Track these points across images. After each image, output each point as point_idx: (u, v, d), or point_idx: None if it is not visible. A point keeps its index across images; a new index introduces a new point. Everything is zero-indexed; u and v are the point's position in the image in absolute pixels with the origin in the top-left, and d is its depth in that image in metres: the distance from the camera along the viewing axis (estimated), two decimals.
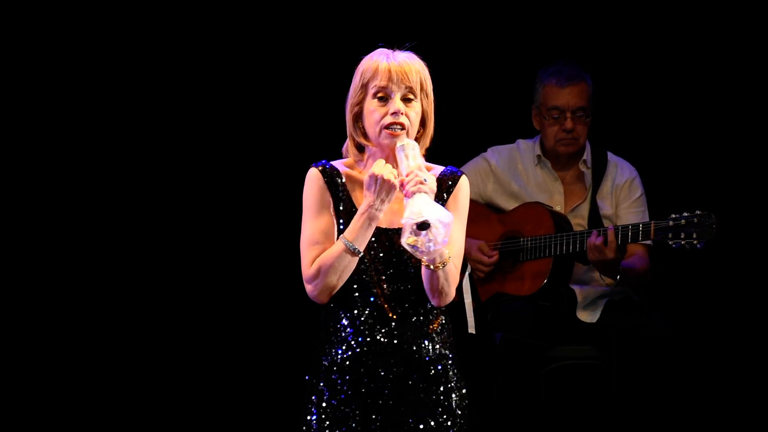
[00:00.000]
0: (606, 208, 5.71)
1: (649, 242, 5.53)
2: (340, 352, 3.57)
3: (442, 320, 3.62)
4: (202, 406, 6.12)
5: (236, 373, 6.14)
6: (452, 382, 3.62)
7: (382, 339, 3.56)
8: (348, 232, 3.51)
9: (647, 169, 5.84)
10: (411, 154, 3.50)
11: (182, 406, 6.11)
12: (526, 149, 5.83)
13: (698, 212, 5.29)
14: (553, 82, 5.68)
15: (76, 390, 6.02)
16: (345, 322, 3.57)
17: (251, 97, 6.14)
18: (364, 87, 3.59)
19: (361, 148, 3.64)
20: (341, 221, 3.59)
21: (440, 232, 3.34)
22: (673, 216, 5.33)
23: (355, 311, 3.57)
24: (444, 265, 3.48)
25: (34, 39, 5.93)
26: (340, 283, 3.54)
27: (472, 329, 5.50)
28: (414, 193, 3.40)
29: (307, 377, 3.63)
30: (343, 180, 3.62)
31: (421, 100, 3.62)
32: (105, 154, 6.04)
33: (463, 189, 3.65)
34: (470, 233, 5.70)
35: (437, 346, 3.59)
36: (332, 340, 3.59)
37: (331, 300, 3.58)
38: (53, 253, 6.00)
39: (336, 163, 3.66)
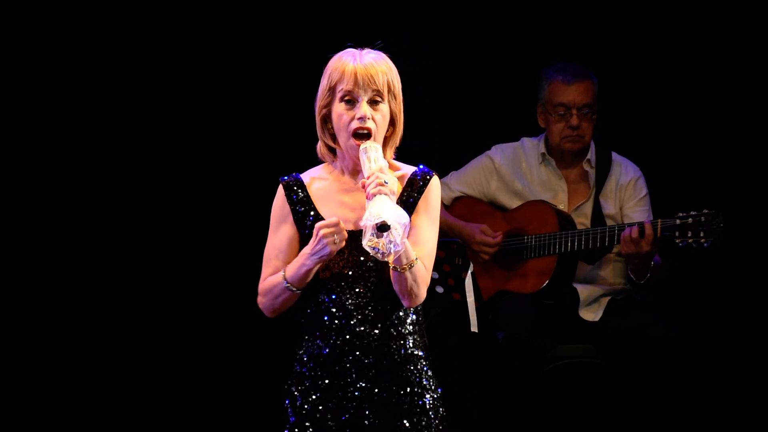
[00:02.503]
0: (609, 207, 5.71)
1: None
2: (312, 355, 3.58)
3: (414, 320, 3.61)
4: (192, 406, 6.11)
5: (222, 377, 6.13)
6: (425, 382, 3.61)
7: (354, 340, 3.56)
8: (288, 269, 3.54)
9: (652, 169, 5.84)
10: (373, 156, 3.50)
11: (172, 407, 6.10)
12: (530, 147, 5.83)
13: (706, 211, 5.29)
14: (559, 78, 5.68)
15: (60, 389, 6.01)
16: (317, 325, 3.58)
17: (247, 99, 6.14)
18: (332, 90, 3.59)
19: (333, 150, 3.66)
20: (306, 231, 3.60)
21: (398, 233, 3.35)
22: (680, 215, 5.33)
23: (327, 314, 3.57)
24: (411, 266, 3.47)
25: (24, 39, 5.93)
26: (282, 309, 3.58)
27: (474, 328, 5.49)
28: (374, 195, 3.40)
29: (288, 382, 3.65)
30: (306, 192, 3.63)
31: (388, 101, 3.60)
32: (93, 156, 6.03)
33: (434, 189, 3.64)
34: None
35: (410, 347, 3.59)
36: (305, 344, 3.60)
37: (304, 304, 3.60)
38: (43, 252, 6.00)
39: (306, 174, 3.67)
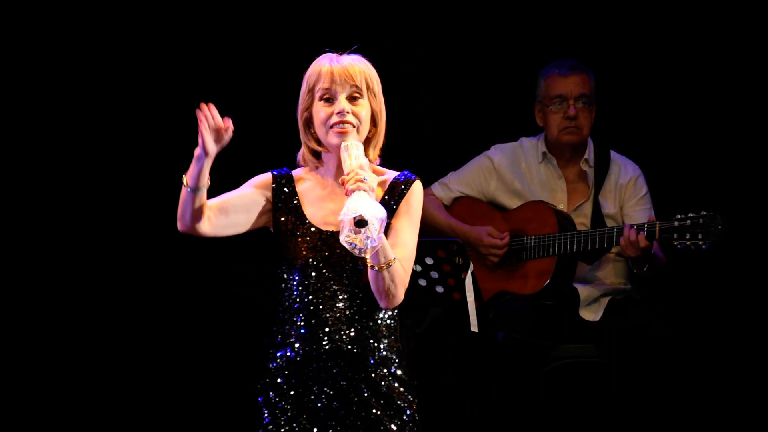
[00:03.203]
0: (609, 207, 5.71)
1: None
2: (285, 355, 3.59)
3: (389, 323, 3.62)
4: (168, 404, 6.11)
5: (199, 374, 6.13)
6: (398, 384, 3.61)
7: (329, 341, 3.57)
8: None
9: (651, 169, 5.84)
10: (354, 153, 3.52)
11: (153, 405, 6.10)
12: (529, 147, 5.84)
13: (704, 213, 5.29)
14: (555, 72, 5.71)
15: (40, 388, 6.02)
16: (289, 325, 3.59)
17: (239, 102, 6.14)
18: (311, 91, 3.62)
19: (317, 155, 3.67)
20: (283, 226, 3.62)
21: (375, 228, 3.36)
22: (679, 216, 5.34)
23: (300, 314, 3.59)
24: (389, 265, 3.47)
25: (20, 39, 5.94)
26: (186, 217, 3.55)
27: (474, 328, 5.49)
28: (353, 191, 3.41)
29: (261, 382, 3.65)
30: (294, 189, 3.66)
31: (368, 99, 3.63)
32: (88, 156, 6.03)
33: (416, 193, 3.64)
34: None
35: (383, 349, 3.60)
36: (278, 344, 3.61)
37: (279, 304, 3.62)
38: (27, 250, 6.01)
39: (295, 174, 3.69)
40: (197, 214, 3.55)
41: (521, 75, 6.08)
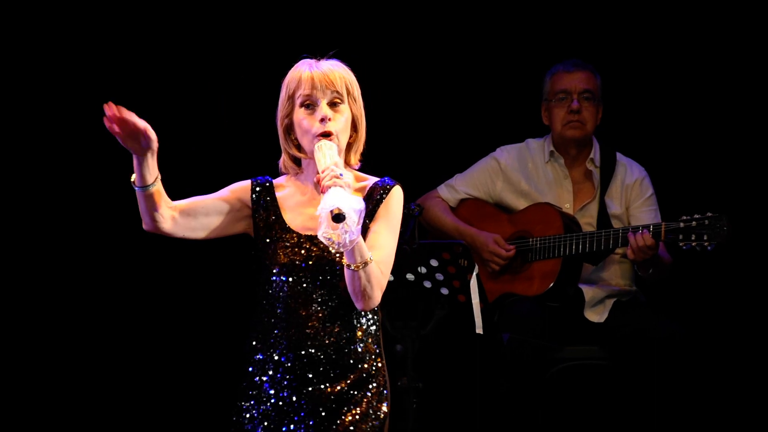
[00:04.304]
0: (615, 207, 5.71)
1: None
2: (263, 359, 3.60)
3: (367, 327, 3.63)
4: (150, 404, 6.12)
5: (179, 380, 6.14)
6: (373, 385, 3.61)
7: (304, 346, 3.57)
8: None
9: (657, 170, 5.84)
10: (328, 153, 3.52)
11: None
12: (536, 147, 5.84)
13: (709, 214, 5.29)
14: (560, 69, 5.75)
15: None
16: (268, 330, 3.60)
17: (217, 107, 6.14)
18: (291, 98, 3.62)
19: (297, 162, 3.68)
20: (262, 231, 3.63)
21: (353, 220, 3.34)
22: (684, 218, 5.33)
23: (278, 319, 3.60)
24: (365, 264, 3.46)
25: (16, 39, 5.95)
26: (144, 216, 3.54)
27: (479, 330, 5.49)
28: (329, 188, 3.40)
29: (244, 384, 3.65)
30: (273, 196, 3.66)
31: (349, 104, 3.62)
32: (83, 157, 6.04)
33: (395, 197, 3.64)
34: None
35: (360, 351, 3.60)
36: (257, 349, 3.61)
37: (259, 309, 3.63)
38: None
39: (276, 181, 3.70)
40: (153, 212, 3.54)
41: (528, 78, 6.08)
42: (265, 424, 3.59)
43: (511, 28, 6.28)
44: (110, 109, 3.39)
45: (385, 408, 3.62)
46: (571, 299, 5.60)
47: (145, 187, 3.50)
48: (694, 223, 5.31)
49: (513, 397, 5.50)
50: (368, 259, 3.46)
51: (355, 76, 3.67)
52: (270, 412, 3.59)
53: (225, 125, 6.09)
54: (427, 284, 4.87)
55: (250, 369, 3.62)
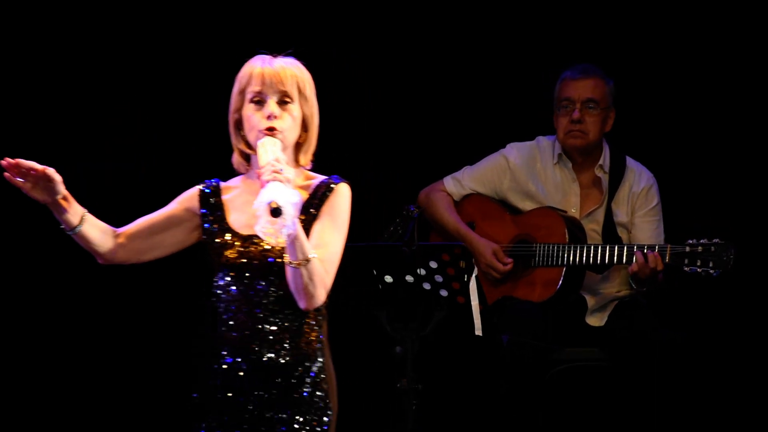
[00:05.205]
0: (621, 215, 5.68)
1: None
2: (216, 362, 3.61)
3: (312, 324, 3.62)
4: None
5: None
6: (316, 384, 3.61)
7: (251, 348, 3.58)
8: None
9: (669, 173, 5.83)
10: (270, 149, 3.51)
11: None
12: (546, 147, 5.80)
13: (716, 241, 5.27)
14: (567, 75, 5.71)
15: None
16: (219, 332, 3.61)
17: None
18: (242, 93, 3.62)
19: (248, 158, 3.68)
20: (208, 235, 3.64)
21: (290, 213, 3.33)
22: (691, 242, 5.31)
23: (227, 320, 3.61)
24: (307, 261, 3.45)
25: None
26: (93, 253, 3.62)
27: (479, 331, 5.48)
28: (268, 182, 3.40)
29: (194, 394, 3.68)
30: (219, 199, 3.67)
31: (299, 103, 3.62)
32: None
33: (340, 195, 3.63)
34: (483, 231, 5.72)
35: (302, 350, 3.60)
36: (211, 352, 3.62)
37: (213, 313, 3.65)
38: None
39: (225, 184, 3.70)
40: (96, 248, 3.61)
41: (540, 75, 6.07)
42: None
43: (527, 24, 6.28)
44: (5, 161, 3.45)
45: (329, 412, 3.63)
46: (572, 305, 5.59)
47: (74, 229, 3.55)
48: (700, 248, 5.29)
49: (512, 399, 5.50)
50: (309, 257, 3.44)
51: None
52: (223, 416, 3.60)
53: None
54: (426, 286, 4.86)
55: (206, 371, 3.63)
